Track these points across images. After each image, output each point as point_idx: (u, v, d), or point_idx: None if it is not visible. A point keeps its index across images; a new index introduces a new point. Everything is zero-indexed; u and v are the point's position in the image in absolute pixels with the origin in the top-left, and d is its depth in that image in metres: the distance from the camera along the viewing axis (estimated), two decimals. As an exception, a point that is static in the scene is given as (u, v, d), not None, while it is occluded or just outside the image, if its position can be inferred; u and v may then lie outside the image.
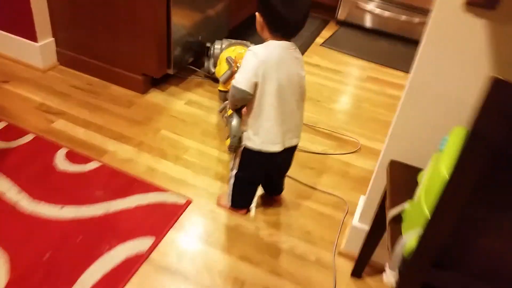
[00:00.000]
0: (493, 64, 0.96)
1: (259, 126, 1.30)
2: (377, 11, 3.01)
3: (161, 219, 1.40)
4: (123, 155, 1.65)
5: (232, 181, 1.45)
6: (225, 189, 1.52)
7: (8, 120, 1.73)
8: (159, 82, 2.09)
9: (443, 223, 0.72)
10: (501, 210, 0.71)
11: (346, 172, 1.76)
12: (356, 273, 1.32)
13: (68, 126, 1.75)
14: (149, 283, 1.21)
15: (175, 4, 1.88)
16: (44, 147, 1.62)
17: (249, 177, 1.45)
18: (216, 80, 2.13)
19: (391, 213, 0.95)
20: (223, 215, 1.47)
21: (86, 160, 1.59)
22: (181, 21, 1.99)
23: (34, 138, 1.65)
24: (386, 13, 2.99)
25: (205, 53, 2.25)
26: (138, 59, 1.96)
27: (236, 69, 1.80)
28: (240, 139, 1.40)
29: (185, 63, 2.19)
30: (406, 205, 0.93)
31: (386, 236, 0.93)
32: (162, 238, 1.34)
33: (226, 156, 1.73)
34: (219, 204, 1.50)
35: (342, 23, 3.16)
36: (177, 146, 1.74)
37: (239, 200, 1.47)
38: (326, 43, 2.86)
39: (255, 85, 1.25)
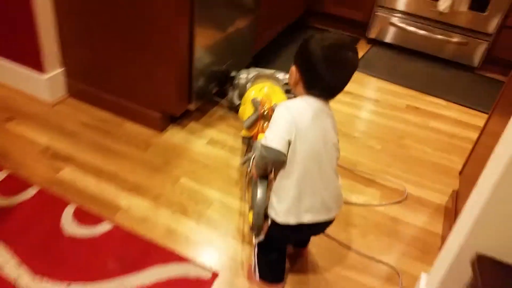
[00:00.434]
0: None
1: (286, 193, 1.09)
2: (411, 28, 2.76)
3: (183, 300, 1.19)
4: (139, 212, 1.44)
5: (256, 250, 1.24)
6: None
7: (11, 167, 1.53)
8: (178, 117, 1.88)
9: None
10: None
11: (394, 230, 1.52)
12: None
13: (77, 175, 1.55)
14: None
15: (200, 26, 1.64)
16: (50, 204, 1.42)
17: (274, 247, 1.24)
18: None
19: None
20: (256, 292, 1.25)
21: (97, 220, 1.38)
22: (205, 45, 1.76)
23: (38, 191, 1.45)
24: (421, 32, 2.74)
25: (230, 83, 2.04)
26: (156, 93, 1.74)
27: (262, 113, 1.58)
28: (265, 217, 1.18)
29: (208, 96, 1.98)
30: None
31: None
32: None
33: (255, 212, 1.51)
34: (250, 278, 1.28)
35: (374, 42, 2.92)
36: (199, 199, 1.52)
37: (268, 272, 1.25)
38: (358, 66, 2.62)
39: (288, 145, 1.05)
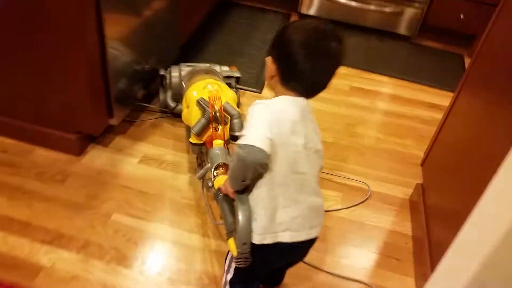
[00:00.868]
0: None
1: (264, 207, 0.90)
2: (343, 1, 2.61)
3: None
4: (65, 269, 1.16)
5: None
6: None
7: None
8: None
9: None
10: None
11: (363, 238, 1.38)
12: None
13: (-23, 231, 1.22)
14: None
15: (108, 11, 1.30)
16: None
17: (249, 280, 1.05)
18: (177, 116, 1.66)
19: None
20: None
21: (9, 291, 1.09)
22: (120, 38, 1.44)
23: None
24: (353, 3, 2.60)
25: (160, 83, 1.76)
26: (66, 110, 1.43)
27: (213, 114, 1.34)
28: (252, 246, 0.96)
29: (134, 102, 1.68)
30: None
31: None
32: None
33: (213, 243, 1.29)
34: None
35: (307, 18, 2.73)
36: (139, 239, 1.27)
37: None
38: (294, 47, 2.43)
39: (270, 145, 0.85)
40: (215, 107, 1.37)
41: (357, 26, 2.65)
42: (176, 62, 1.80)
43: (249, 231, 0.91)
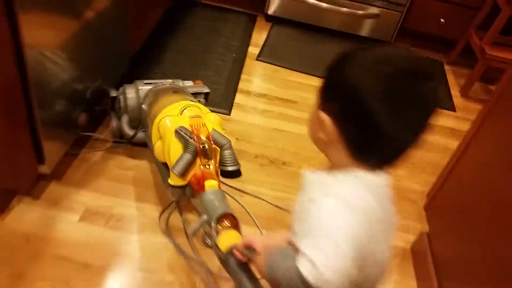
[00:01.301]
0: None
1: None
2: (313, 1, 2.34)
3: None
4: None
5: None
6: None
7: None
8: (27, 182, 1.22)
9: None
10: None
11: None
12: None
13: None
14: None
15: (26, 13, 0.93)
16: None
17: None
18: (137, 144, 1.34)
19: None
20: None
21: None
22: (48, 46, 1.07)
23: None
24: (324, 5, 2.34)
25: (111, 106, 1.42)
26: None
27: (201, 147, 1.05)
28: None
29: (74, 131, 1.32)
30: None
31: None
32: None
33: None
34: None
35: (275, 20, 2.44)
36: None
37: None
38: (263, 55, 2.14)
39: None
40: (202, 137, 1.08)
41: (329, 30, 2.40)
42: (127, 77, 1.48)
43: None
